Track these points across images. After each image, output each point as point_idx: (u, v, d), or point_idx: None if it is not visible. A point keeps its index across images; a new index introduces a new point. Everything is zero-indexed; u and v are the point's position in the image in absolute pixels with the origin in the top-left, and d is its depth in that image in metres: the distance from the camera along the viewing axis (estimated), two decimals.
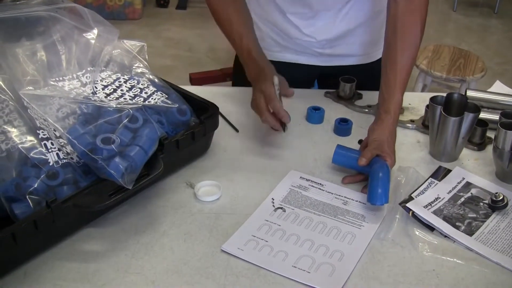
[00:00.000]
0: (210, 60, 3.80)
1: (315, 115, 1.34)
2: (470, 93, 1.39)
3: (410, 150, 1.27)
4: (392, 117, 1.16)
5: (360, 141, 1.23)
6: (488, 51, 4.11)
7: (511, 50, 4.22)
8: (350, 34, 1.43)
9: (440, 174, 1.19)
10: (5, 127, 0.96)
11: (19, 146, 0.95)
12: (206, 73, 2.52)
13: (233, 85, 1.62)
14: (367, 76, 1.46)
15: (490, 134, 1.27)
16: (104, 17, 1.17)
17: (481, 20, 4.79)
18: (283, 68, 1.36)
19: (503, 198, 1.08)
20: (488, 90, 1.48)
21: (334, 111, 1.39)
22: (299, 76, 1.48)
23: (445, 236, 1.03)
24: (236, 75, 1.55)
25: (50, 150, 0.97)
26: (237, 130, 1.30)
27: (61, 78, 1.07)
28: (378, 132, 1.15)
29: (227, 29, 1.27)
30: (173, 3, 4.74)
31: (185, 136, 1.10)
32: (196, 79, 2.50)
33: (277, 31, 1.44)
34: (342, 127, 1.30)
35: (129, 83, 1.14)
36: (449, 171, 1.20)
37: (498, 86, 1.55)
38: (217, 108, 1.18)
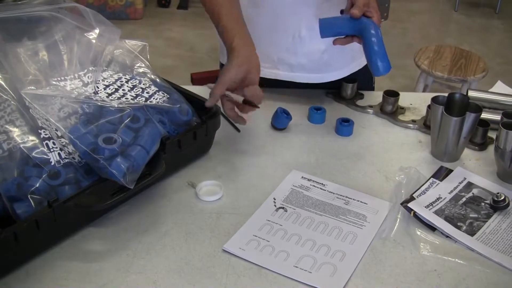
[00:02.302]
0: (211, 60, 3.80)
1: (316, 115, 1.34)
2: (471, 93, 1.39)
3: (412, 150, 1.27)
4: None
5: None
6: (490, 51, 4.11)
7: None
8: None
9: (441, 174, 1.19)
10: (7, 126, 0.96)
11: (21, 145, 0.95)
12: (207, 73, 2.52)
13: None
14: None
15: (492, 134, 1.27)
16: (105, 17, 1.16)
17: (483, 20, 4.79)
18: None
19: (504, 198, 1.08)
20: (490, 90, 1.48)
21: (336, 111, 1.39)
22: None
23: (447, 236, 1.03)
24: None
25: (51, 150, 0.97)
26: (238, 130, 1.30)
27: (62, 78, 1.07)
28: None
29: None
30: (175, 3, 4.74)
31: (186, 136, 1.11)
32: (198, 79, 2.51)
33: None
34: (344, 127, 1.30)
35: (131, 83, 1.14)
36: (450, 171, 1.20)
37: (500, 86, 1.55)
38: (218, 108, 1.18)
